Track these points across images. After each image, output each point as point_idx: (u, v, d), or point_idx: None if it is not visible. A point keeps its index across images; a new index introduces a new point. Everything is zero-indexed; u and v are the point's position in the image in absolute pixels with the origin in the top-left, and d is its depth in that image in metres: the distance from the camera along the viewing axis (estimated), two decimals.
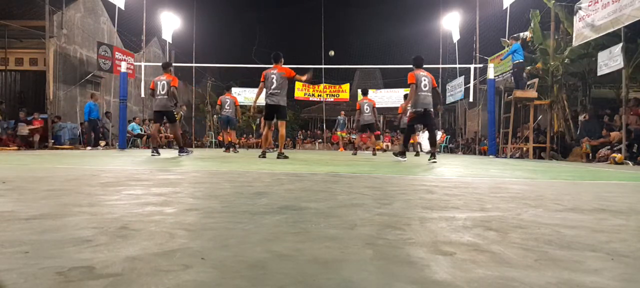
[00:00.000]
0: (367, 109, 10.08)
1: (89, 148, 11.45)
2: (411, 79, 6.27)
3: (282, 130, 6.85)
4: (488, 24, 15.02)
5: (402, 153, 6.49)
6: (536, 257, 0.93)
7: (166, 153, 8.79)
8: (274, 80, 6.58)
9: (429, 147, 6.54)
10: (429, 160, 6.27)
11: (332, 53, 14.88)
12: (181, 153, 6.95)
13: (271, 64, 6.82)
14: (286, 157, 6.54)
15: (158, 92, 7.03)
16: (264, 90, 6.69)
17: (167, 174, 3.10)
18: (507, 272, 0.81)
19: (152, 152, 6.86)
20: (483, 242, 1.07)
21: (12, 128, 11.15)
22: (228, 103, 10.38)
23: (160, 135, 15.84)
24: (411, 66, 6.58)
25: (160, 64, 18.56)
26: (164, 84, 7.01)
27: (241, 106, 22.71)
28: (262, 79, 6.73)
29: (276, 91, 6.58)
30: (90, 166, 3.96)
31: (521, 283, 0.75)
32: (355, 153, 10.64)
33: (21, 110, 12.48)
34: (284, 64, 6.85)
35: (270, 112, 6.75)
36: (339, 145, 16.69)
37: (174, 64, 20.71)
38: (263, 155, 6.66)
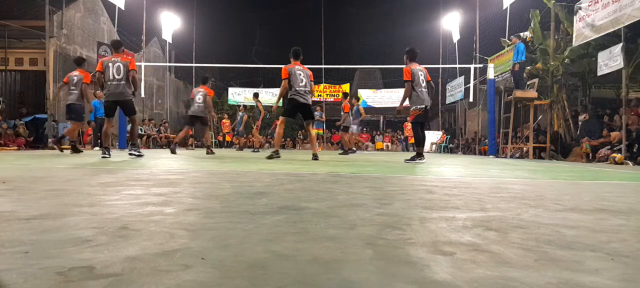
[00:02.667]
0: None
1: (96, 148, 11.30)
2: (407, 75, 5.84)
3: (313, 133, 6.52)
4: (488, 24, 15.04)
5: (419, 155, 5.89)
6: (536, 257, 0.93)
7: (162, 152, 8.80)
8: (304, 78, 6.10)
9: (417, 146, 6.17)
10: (407, 160, 5.98)
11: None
12: (131, 152, 5.99)
13: (291, 60, 6.24)
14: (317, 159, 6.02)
15: (112, 76, 5.79)
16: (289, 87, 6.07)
17: (167, 174, 3.10)
18: (507, 272, 0.81)
19: (104, 152, 5.78)
20: (483, 242, 1.07)
21: (11, 127, 11.15)
22: (75, 81, 7.59)
23: (161, 135, 15.87)
24: (407, 59, 6.08)
25: (160, 63, 18.42)
26: (119, 66, 5.81)
27: (240, 106, 22.75)
28: (285, 75, 6.02)
29: (308, 90, 6.15)
30: (90, 166, 3.96)
31: (521, 283, 0.75)
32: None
33: (21, 110, 12.50)
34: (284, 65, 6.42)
35: (298, 110, 6.18)
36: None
37: (174, 64, 20.87)
38: (274, 156, 6.04)
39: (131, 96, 6.01)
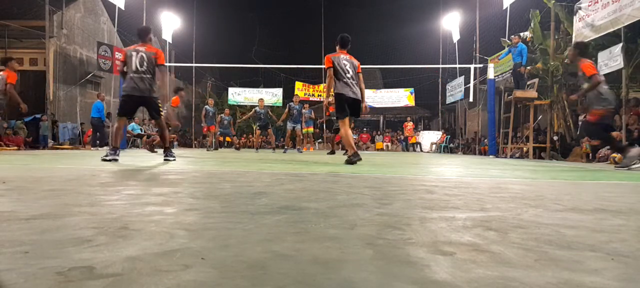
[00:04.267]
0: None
1: (95, 149, 11.44)
2: (592, 69, 5.16)
3: (349, 130, 5.40)
4: (488, 24, 15.05)
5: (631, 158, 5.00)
6: (536, 257, 0.93)
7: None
8: (349, 69, 5.25)
9: (613, 150, 5.80)
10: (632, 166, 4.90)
11: None
12: (166, 157, 5.37)
13: (336, 48, 5.43)
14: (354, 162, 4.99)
15: (134, 67, 5.07)
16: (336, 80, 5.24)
17: (167, 174, 3.10)
18: (507, 272, 0.81)
19: (110, 153, 5.00)
20: (483, 242, 1.07)
21: (12, 127, 11.18)
22: None
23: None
24: (577, 54, 5.40)
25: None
26: (142, 56, 5.09)
27: (240, 107, 22.77)
28: (328, 63, 5.20)
29: (356, 82, 5.32)
30: (90, 166, 3.96)
31: (521, 283, 0.75)
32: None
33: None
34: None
35: (349, 106, 5.28)
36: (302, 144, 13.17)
37: (174, 64, 20.87)
38: (353, 160, 5.01)
39: (156, 93, 5.22)
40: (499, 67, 13.11)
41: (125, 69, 5.14)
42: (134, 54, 5.09)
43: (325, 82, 21.66)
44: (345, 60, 5.30)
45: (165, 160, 5.20)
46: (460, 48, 17.33)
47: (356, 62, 5.42)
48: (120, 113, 5.22)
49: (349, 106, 5.29)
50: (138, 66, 5.04)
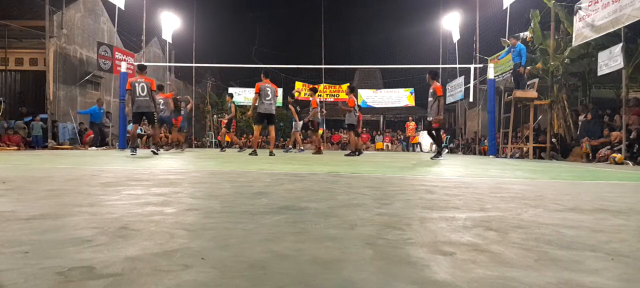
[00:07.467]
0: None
1: (93, 148, 11.70)
2: (439, 91, 7.62)
3: (273, 133, 8.26)
4: (488, 24, 15.01)
5: (439, 153, 7.95)
6: (536, 257, 0.93)
7: (161, 152, 8.79)
8: (270, 93, 7.97)
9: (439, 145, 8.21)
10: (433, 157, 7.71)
11: None
12: (152, 150, 7.63)
13: (262, 78, 8.20)
14: (274, 155, 7.75)
15: (138, 94, 7.39)
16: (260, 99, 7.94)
17: (167, 174, 3.10)
18: (507, 272, 0.81)
19: (132, 151, 7.17)
20: (483, 242, 1.07)
21: (12, 127, 11.18)
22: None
23: (160, 135, 15.92)
24: (431, 78, 7.87)
25: (160, 64, 18.47)
26: (143, 85, 7.39)
27: (240, 107, 22.77)
28: (257, 90, 7.95)
29: (273, 102, 8.03)
30: (90, 166, 3.96)
31: (521, 283, 0.75)
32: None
33: (21, 110, 12.53)
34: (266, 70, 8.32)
35: (264, 118, 8.04)
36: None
37: (174, 64, 20.85)
38: (254, 153, 7.74)
39: (153, 109, 7.56)
40: (499, 67, 13.10)
41: (130, 94, 7.37)
42: (136, 84, 7.33)
43: (323, 83, 21.65)
44: (268, 87, 7.98)
45: (152, 152, 7.49)
46: (460, 48, 17.31)
47: (275, 88, 8.22)
48: (134, 122, 7.75)
49: (266, 118, 8.05)
50: (140, 92, 7.35)
